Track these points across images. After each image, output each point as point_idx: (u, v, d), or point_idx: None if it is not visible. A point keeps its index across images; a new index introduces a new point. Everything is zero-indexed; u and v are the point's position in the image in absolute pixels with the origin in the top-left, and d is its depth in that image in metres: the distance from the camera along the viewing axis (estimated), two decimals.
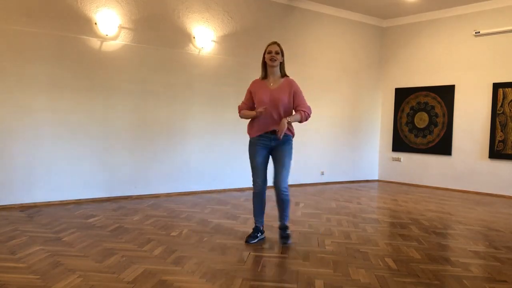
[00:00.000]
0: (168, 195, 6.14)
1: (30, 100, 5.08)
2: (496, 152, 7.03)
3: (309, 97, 7.65)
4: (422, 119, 8.02)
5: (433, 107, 7.86)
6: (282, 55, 3.71)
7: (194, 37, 6.31)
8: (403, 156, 8.32)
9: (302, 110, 3.66)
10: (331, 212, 5.29)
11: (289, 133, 3.71)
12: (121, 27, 5.69)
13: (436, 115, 7.81)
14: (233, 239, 3.89)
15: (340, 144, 8.15)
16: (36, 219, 4.46)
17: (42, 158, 5.19)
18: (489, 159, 7.15)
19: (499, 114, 6.99)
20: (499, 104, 6.99)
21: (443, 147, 7.71)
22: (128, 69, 5.77)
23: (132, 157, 5.85)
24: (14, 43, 4.96)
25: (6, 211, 4.82)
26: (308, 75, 7.61)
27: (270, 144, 3.71)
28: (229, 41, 6.70)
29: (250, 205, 5.59)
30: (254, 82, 3.83)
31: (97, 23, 5.48)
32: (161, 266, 3.07)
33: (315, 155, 7.79)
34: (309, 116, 3.71)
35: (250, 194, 6.53)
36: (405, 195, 6.86)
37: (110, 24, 5.54)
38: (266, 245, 3.70)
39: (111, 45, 5.63)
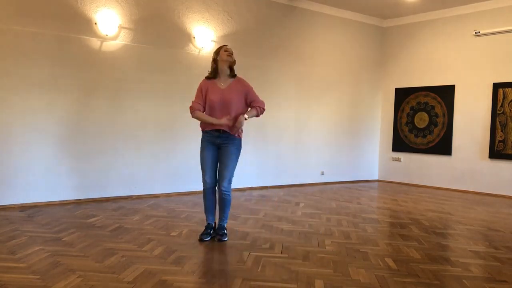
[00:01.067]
0: (168, 195, 6.14)
1: (30, 99, 5.08)
2: (496, 152, 7.03)
3: (309, 97, 7.76)
4: (422, 119, 8.02)
5: (433, 107, 7.86)
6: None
7: (194, 37, 6.31)
8: (403, 156, 8.32)
9: (257, 106, 3.79)
10: (331, 212, 5.29)
11: (237, 136, 3.82)
12: (121, 27, 5.69)
13: (436, 115, 7.81)
14: (233, 239, 3.89)
15: (340, 144, 8.15)
16: (36, 219, 4.46)
17: (42, 158, 5.19)
18: (489, 159, 7.15)
19: (499, 114, 6.99)
20: (499, 104, 6.99)
21: (443, 147, 7.71)
22: (128, 69, 5.77)
23: (132, 157, 5.85)
24: (14, 43, 4.96)
25: (6, 211, 4.82)
26: (308, 75, 7.61)
27: (216, 141, 3.77)
28: (229, 41, 6.68)
29: (250, 205, 5.61)
30: (204, 82, 3.85)
31: (97, 23, 5.48)
32: (161, 266, 3.07)
33: (315, 155, 7.79)
34: (264, 110, 3.85)
35: (250, 194, 6.57)
36: (405, 195, 6.86)
37: (110, 24, 5.54)
38: (266, 245, 3.70)
39: (111, 45, 5.63)
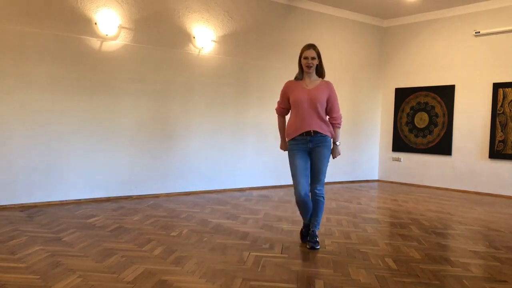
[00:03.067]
0: (168, 195, 6.14)
1: (30, 100, 5.08)
2: (496, 152, 7.03)
3: None
4: (422, 119, 8.02)
5: (433, 107, 7.86)
6: (319, 57, 3.66)
7: (194, 37, 6.31)
8: (403, 156, 8.32)
9: (336, 124, 3.71)
10: (331, 212, 5.29)
11: (328, 134, 3.66)
12: (121, 27, 5.69)
13: (436, 115, 7.81)
14: (233, 239, 3.89)
15: (340, 144, 8.12)
16: (36, 219, 4.46)
17: (42, 158, 5.19)
18: (489, 159, 7.15)
19: (499, 114, 6.99)
20: (499, 104, 6.99)
21: (443, 147, 7.71)
22: (128, 69, 5.77)
23: (132, 157, 5.85)
24: (14, 43, 4.96)
25: (6, 211, 4.82)
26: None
27: (308, 146, 3.61)
28: (229, 41, 6.70)
29: (250, 205, 5.61)
30: (289, 83, 3.78)
31: (97, 23, 5.48)
32: (161, 266, 3.07)
33: None
34: (341, 123, 3.76)
35: (250, 194, 6.57)
36: (405, 195, 6.86)
37: (110, 24, 5.54)
38: (266, 245, 3.70)
39: (111, 45, 5.63)
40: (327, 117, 3.71)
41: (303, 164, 3.59)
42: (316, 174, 3.63)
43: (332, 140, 3.71)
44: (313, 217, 3.69)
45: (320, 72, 3.72)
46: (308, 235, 3.72)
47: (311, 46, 3.62)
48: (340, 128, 3.74)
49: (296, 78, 3.75)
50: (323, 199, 3.70)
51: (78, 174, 5.45)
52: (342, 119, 3.75)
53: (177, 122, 6.21)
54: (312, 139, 3.59)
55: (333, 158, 3.72)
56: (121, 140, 5.77)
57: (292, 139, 3.64)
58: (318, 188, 3.64)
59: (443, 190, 7.60)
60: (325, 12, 7.73)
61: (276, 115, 3.91)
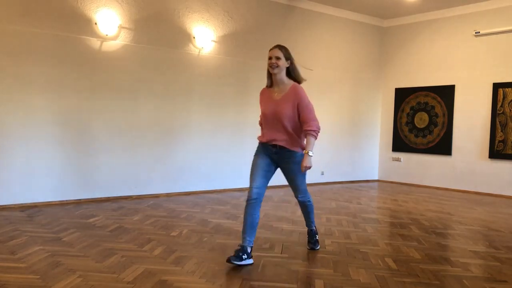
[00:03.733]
0: (168, 195, 6.14)
1: (30, 100, 5.08)
2: (496, 152, 7.03)
3: (309, 97, 7.71)
4: (422, 119, 8.02)
5: (433, 107, 7.86)
6: (288, 59, 3.30)
7: (194, 37, 6.31)
8: (403, 156, 8.32)
9: (311, 131, 3.25)
10: (331, 212, 5.29)
11: (298, 150, 3.35)
12: (121, 27, 5.69)
13: (436, 115, 7.81)
14: (233, 239, 3.89)
15: (340, 144, 8.15)
16: (36, 219, 4.46)
17: (42, 158, 5.19)
18: (489, 159, 7.15)
19: (499, 114, 6.99)
20: (499, 104, 6.99)
21: (443, 147, 7.71)
22: (128, 69, 5.77)
23: (132, 157, 5.85)
24: (14, 43, 4.96)
25: (6, 211, 4.82)
26: (308, 75, 7.51)
27: (273, 156, 3.37)
28: (229, 41, 6.70)
29: None
30: (262, 92, 3.49)
31: (97, 23, 5.48)
32: (161, 266, 3.07)
33: (315, 155, 7.73)
34: (318, 132, 3.30)
35: None
36: (405, 195, 6.86)
37: (110, 24, 5.54)
38: (266, 245, 3.70)
39: (111, 45, 5.63)
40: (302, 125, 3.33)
41: (264, 165, 3.33)
42: (294, 187, 3.46)
43: (301, 150, 3.36)
44: (305, 219, 3.65)
45: (293, 77, 3.37)
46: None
47: (277, 46, 3.31)
48: (316, 138, 3.29)
49: (267, 86, 3.45)
50: (310, 202, 3.55)
51: (78, 174, 5.44)
52: (319, 127, 3.28)
53: (177, 122, 6.20)
54: (278, 152, 3.33)
55: (301, 171, 3.29)
56: (121, 140, 5.77)
57: (261, 142, 3.43)
58: (300, 196, 3.47)
59: (443, 190, 7.60)
60: (325, 12, 7.73)
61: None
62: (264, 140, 3.38)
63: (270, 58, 3.27)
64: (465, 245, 3.92)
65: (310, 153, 3.25)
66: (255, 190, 3.24)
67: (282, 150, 3.32)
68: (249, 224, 3.20)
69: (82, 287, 2.63)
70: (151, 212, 4.98)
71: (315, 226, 3.69)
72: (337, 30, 7.95)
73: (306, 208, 3.57)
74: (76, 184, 5.44)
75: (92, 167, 5.54)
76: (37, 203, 5.17)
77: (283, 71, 3.30)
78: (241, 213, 5.07)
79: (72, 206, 5.20)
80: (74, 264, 3.04)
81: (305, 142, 3.33)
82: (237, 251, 3.13)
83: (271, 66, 3.26)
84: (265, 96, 3.42)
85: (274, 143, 3.31)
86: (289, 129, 3.27)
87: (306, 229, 4.34)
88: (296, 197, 3.50)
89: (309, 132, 3.25)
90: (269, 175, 3.38)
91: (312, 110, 3.32)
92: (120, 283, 2.71)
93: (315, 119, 3.30)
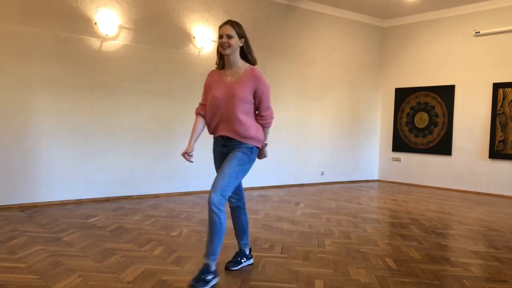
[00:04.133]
0: (168, 195, 6.14)
1: (30, 100, 5.08)
2: (496, 152, 7.03)
3: (309, 97, 7.76)
4: (422, 119, 8.02)
5: (433, 107, 7.86)
6: (241, 37, 2.84)
7: (194, 37, 6.31)
8: (403, 156, 8.32)
9: (266, 124, 2.93)
10: (331, 212, 5.29)
11: (252, 143, 2.87)
12: (121, 27, 5.69)
13: (436, 115, 7.81)
14: (233, 239, 3.87)
15: (340, 144, 8.15)
16: (36, 219, 4.46)
17: (42, 158, 5.19)
18: (489, 159, 7.15)
19: (499, 114, 6.99)
20: (499, 104, 6.99)
21: (443, 147, 7.71)
22: (128, 69, 5.77)
23: (132, 157, 5.85)
24: (14, 43, 4.96)
25: (6, 211, 4.82)
26: (308, 75, 7.61)
27: (222, 150, 2.93)
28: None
29: (250, 205, 5.61)
30: (211, 74, 3.00)
31: (97, 23, 5.48)
32: (161, 266, 3.07)
33: (315, 155, 7.79)
34: (272, 122, 2.97)
35: (250, 194, 6.57)
36: (405, 195, 6.86)
37: (110, 24, 5.54)
38: (266, 245, 3.70)
39: (111, 45, 5.63)
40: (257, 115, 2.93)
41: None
42: (217, 178, 2.76)
43: (253, 144, 2.91)
44: (207, 243, 2.75)
45: (247, 57, 2.91)
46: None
47: (228, 22, 2.87)
48: (270, 127, 2.98)
49: (218, 67, 2.98)
50: (220, 218, 2.69)
51: (78, 174, 5.44)
52: (273, 117, 2.95)
53: (177, 122, 6.20)
54: (226, 144, 2.89)
55: (259, 158, 3.06)
56: (121, 140, 5.77)
57: (214, 138, 3.03)
58: (212, 195, 2.67)
59: (443, 190, 7.60)
60: (325, 12, 7.73)
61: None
62: (210, 131, 2.99)
63: (220, 37, 2.83)
64: (465, 245, 3.92)
65: (266, 145, 3.03)
66: (231, 198, 3.06)
67: (230, 142, 2.86)
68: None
69: (82, 287, 2.63)
70: (151, 212, 4.98)
71: (215, 261, 2.76)
72: (337, 30, 7.95)
73: (214, 225, 2.70)
74: (76, 184, 5.44)
75: (92, 167, 5.54)
76: (37, 203, 5.17)
77: (237, 51, 2.86)
78: None
79: (72, 206, 5.20)
80: (74, 264, 3.04)
81: (256, 132, 2.87)
82: (235, 256, 3.12)
83: (222, 46, 2.81)
84: (214, 78, 2.93)
85: (222, 133, 2.88)
86: (241, 116, 2.80)
87: (306, 229, 4.35)
88: (208, 197, 2.70)
89: (265, 125, 2.93)
90: None
91: (269, 97, 2.92)
92: (120, 283, 2.71)
93: (271, 109, 2.94)
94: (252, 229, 4.28)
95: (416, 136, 8.10)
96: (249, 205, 5.59)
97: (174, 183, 6.23)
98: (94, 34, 5.49)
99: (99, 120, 5.57)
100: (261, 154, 3.03)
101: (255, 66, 2.92)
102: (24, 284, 2.65)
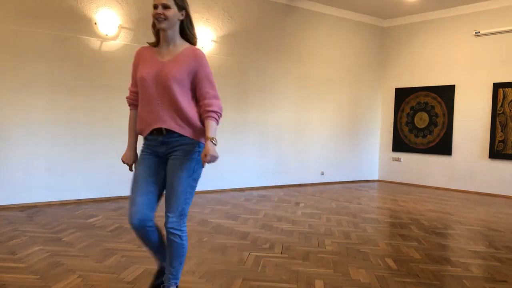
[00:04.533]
0: None
1: (30, 99, 5.08)
2: (496, 152, 7.03)
3: (309, 97, 7.76)
4: (422, 119, 8.02)
5: (433, 107, 7.86)
6: (181, 9, 2.33)
7: None
8: (403, 156, 8.32)
9: (212, 113, 2.28)
10: (331, 212, 5.29)
11: (197, 137, 2.32)
12: (121, 27, 5.69)
13: (436, 115, 7.82)
14: (233, 239, 3.89)
15: (340, 144, 8.15)
16: (36, 219, 4.46)
17: (42, 158, 5.19)
18: (489, 159, 7.15)
19: (499, 114, 6.99)
20: (499, 104, 6.99)
21: (443, 147, 7.71)
22: (128, 69, 5.71)
23: None
24: (14, 43, 4.96)
25: (6, 211, 4.82)
26: (308, 75, 7.61)
27: (159, 150, 2.32)
28: (229, 41, 6.70)
29: (250, 205, 5.60)
30: (140, 52, 2.38)
31: (97, 23, 5.48)
32: None
33: (315, 155, 7.79)
34: (221, 115, 2.35)
35: (250, 194, 6.57)
36: (405, 195, 6.86)
37: (110, 24, 5.54)
38: (266, 245, 3.70)
39: (111, 45, 5.63)
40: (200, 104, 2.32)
41: (148, 176, 2.29)
42: (169, 196, 2.27)
43: (204, 141, 2.31)
44: (166, 265, 2.34)
45: (187, 34, 2.36)
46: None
47: None
48: (218, 122, 2.34)
49: (152, 44, 2.37)
50: (181, 239, 2.28)
51: (78, 174, 5.44)
52: (221, 109, 2.33)
53: None
54: (165, 141, 2.28)
55: (203, 162, 2.22)
56: (121, 140, 5.75)
57: (145, 138, 2.38)
58: (171, 220, 2.25)
59: (443, 190, 7.60)
60: (325, 12, 7.73)
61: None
62: (143, 127, 2.33)
63: (155, 7, 2.24)
64: (465, 245, 3.92)
65: (215, 141, 2.26)
66: (137, 217, 2.21)
67: (171, 137, 2.27)
68: (151, 246, 2.37)
69: (82, 287, 2.63)
70: None
71: (176, 284, 2.37)
72: (337, 30, 7.95)
73: (172, 247, 2.29)
74: (76, 184, 5.44)
75: (92, 167, 5.54)
76: (37, 203, 5.17)
77: (176, 26, 2.30)
78: (241, 213, 5.07)
79: (72, 206, 5.20)
80: (74, 264, 3.03)
81: (199, 124, 2.32)
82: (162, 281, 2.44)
83: (157, 19, 2.23)
84: (144, 56, 2.33)
85: (158, 126, 2.26)
86: (180, 103, 2.23)
87: (306, 229, 4.35)
88: (166, 221, 2.26)
89: (210, 113, 2.27)
90: (156, 187, 2.31)
91: (215, 84, 2.39)
92: (120, 283, 2.71)
93: (218, 97, 2.36)
94: (252, 229, 4.28)
95: (416, 136, 8.10)
96: (249, 205, 5.60)
97: None
98: (94, 34, 5.49)
99: (99, 120, 5.56)
100: (207, 151, 2.20)
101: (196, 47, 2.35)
102: (24, 284, 2.65)
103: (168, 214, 2.26)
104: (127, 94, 2.51)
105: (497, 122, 7.00)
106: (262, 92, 7.07)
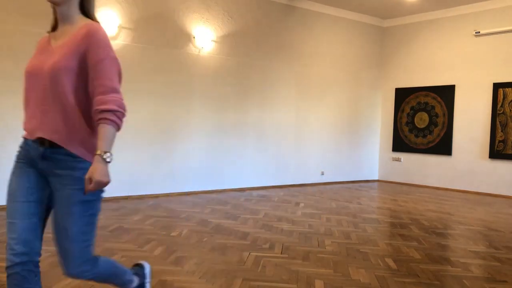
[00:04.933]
0: (168, 195, 6.14)
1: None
2: (496, 152, 7.03)
3: (309, 97, 7.77)
4: (422, 119, 8.02)
5: (433, 107, 7.86)
6: None
7: (194, 37, 6.31)
8: (403, 156, 8.32)
9: (105, 112, 1.62)
10: (331, 212, 5.29)
11: (81, 153, 1.70)
12: (121, 27, 5.69)
13: (436, 115, 7.82)
14: (233, 239, 3.89)
15: (340, 144, 8.15)
16: None
17: None
18: (489, 159, 7.15)
19: (499, 114, 6.99)
20: (499, 104, 6.99)
21: (443, 147, 7.71)
22: (128, 69, 5.76)
23: (132, 157, 5.85)
24: (14, 43, 4.96)
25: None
26: (308, 75, 7.61)
27: (38, 164, 1.69)
28: (229, 41, 6.70)
29: (250, 205, 5.60)
30: (39, 40, 1.91)
31: None
32: (161, 266, 3.07)
33: (315, 155, 7.79)
34: (124, 116, 1.69)
35: (250, 194, 6.57)
36: (405, 195, 6.86)
37: (110, 24, 5.54)
38: (266, 245, 3.70)
39: None
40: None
41: (28, 195, 1.68)
42: (61, 240, 1.69)
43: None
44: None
45: (87, 10, 1.77)
46: None
47: None
48: (120, 126, 1.71)
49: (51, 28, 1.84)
50: (99, 271, 1.80)
51: None
52: (123, 107, 1.66)
53: (177, 122, 6.20)
54: (45, 154, 1.67)
55: (86, 190, 1.58)
56: (121, 140, 5.75)
57: (24, 139, 1.76)
58: (70, 270, 1.73)
59: (443, 190, 7.60)
60: (325, 12, 7.73)
61: None
62: (27, 133, 1.75)
63: None
64: (465, 245, 3.92)
65: (107, 157, 1.67)
66: (21, 249, 1.62)
67: (56, 153, 1.67)
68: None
69: (82, 287, 2.62)
70: (151, 212, 4.98)
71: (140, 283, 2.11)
72: (337, 30, 7.95)
73: (99, 281, 1.88)
74: None
75: None
76: None
77: (73, 1, 1.73)
78: (241, 213, 5.06)
79: None
80: None
81: (91, 135, 1.76)
82: None
83: None
84: (39, 46, 1.86)
85: (39, 136, 1.67)
86: (69, 105, 1.65)
87: (306, 229, 4.36)
88: (65, 271, 1.74)
89: (103, 113, 1.62)
90: (40, 209, 1.70)
91: (115, 72, 1.68)
92: None
93: (117, 91, 1.67)
94: (252, 229, 4.28)
95: (416, 136, 8.10)
96: (249, 205, 5.60)
97: (174, 183, 6.23)
98: None
99: None
100: (93, 172, 1.58)
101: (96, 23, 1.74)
102: None
103: (69, 265, 1.70)
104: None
105: (497, 122, 7.00)
106: (262, 92, 7.07)
